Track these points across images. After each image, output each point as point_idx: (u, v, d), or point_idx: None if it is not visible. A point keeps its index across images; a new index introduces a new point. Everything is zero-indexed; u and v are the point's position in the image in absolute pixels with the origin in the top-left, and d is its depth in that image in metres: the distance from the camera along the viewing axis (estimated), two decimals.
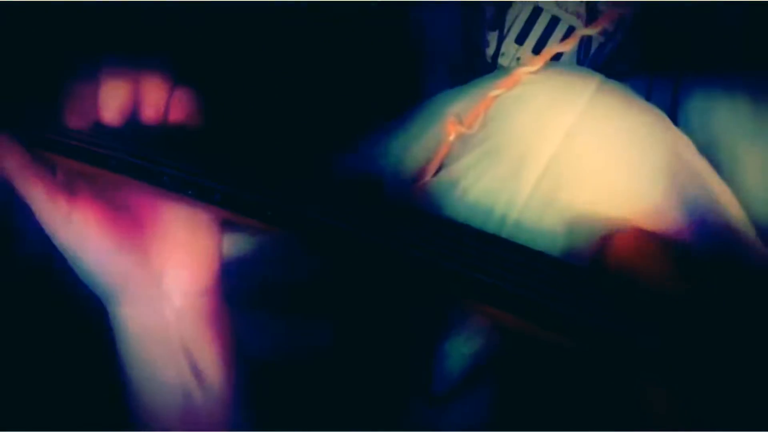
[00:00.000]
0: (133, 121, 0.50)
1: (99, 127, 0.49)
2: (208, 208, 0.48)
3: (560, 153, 0.54)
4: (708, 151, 0.58)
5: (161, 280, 0.50)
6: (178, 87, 0.50)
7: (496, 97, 0.57)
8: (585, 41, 0.73)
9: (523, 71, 0.57)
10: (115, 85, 0.49)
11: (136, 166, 0.47)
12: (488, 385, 0.57)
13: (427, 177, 0.61)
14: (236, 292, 0.59)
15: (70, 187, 0.48)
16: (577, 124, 0.54)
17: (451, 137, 0.59)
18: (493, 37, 0.78)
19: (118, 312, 0.50)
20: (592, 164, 0.54)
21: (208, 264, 0.51)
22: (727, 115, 0.65)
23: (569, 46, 0.70)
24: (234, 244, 0.65)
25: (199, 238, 0.51)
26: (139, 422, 0.51)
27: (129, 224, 0.49)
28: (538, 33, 0.78)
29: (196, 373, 0.50)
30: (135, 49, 0.49)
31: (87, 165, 0.48)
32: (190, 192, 0.46)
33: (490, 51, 0.78)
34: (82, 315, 0.55)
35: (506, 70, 0.59)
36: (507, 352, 0.54)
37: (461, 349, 0.58)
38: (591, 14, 0.74)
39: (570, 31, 0.77)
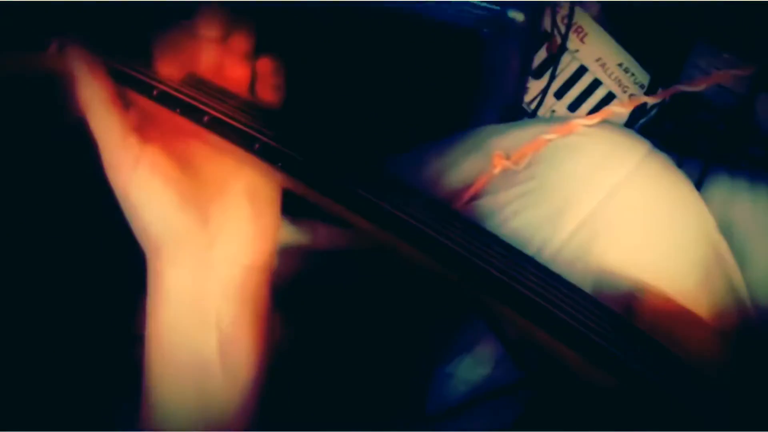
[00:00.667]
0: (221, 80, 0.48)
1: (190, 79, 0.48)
2: (272, 173, 0.46)
3: (601, 208, 0.56)
4: (723, 233, 0.61)
5: (213, 246, 0.47)
6: (268, 57, 0.49)
7: (548, 141, 0.59)
8: (641, 109, 0.76)
9: (580, 122, 0.59)
10: (208, 41, 0.47)
11: (228, 125, 0.46)
12: (484, 414, 0.58)
13: (459, 203, 0.63)
14: None
15: (142, 133, 0.46)
16: (622, 184, 0.56)
17: (497, 170, 0.61)
18: (533, 85, 0.80)
19: (159, 269, 0.47)
20: (629, 225, 0.56)
21: (264, 242, 0.49)
22: (747, 205, 0.68)
23: (627, 109, 0.73)
24: None
25: (262, 211, 0.49)
26: (149, 390, 0.48)
27: (193, 184, 0.47)
28: (577, 92, 0.81)
29: (223, 356, 0.47)
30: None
31: (176, 113, 0.46)
32: (280, 164, 0.45)
33: (528, 97, 0.80)
34: (119, 264, 0.54)
35: (560, 118, 0.61)
36: (528, 382, 0.55)
37: (464, 374, 0.59)
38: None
39: (609, 97, 0.80)
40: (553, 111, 0.80)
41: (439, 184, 0.65)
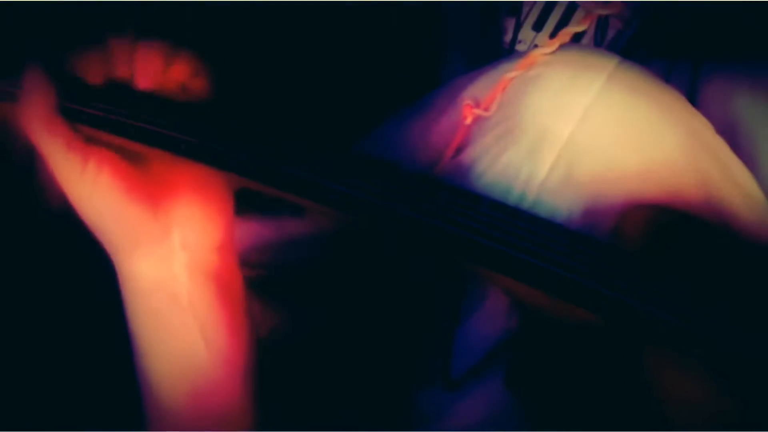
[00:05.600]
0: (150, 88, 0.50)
1: (115, 92, 0.50)
2: (224, 174, 0.49)
3: (577, 132, 0.55)
4: (727, 133, 0.59)
5: (170, 233, 0.50)
6: (187, 55, 0.51)
7: (512, 78, 0.59)
8: (602, 26, 0.74)
9: (539, 52, 0.58)
10: (121, 46, 0.49)
11: (154, 133, 0.48)
12: (506, 368, 0.58)
13: (444, 161, 0.63)
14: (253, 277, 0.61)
15: (86, 140, 0.49)
16: (594, 104, 0.55)
17: (468, 121, 0.60)
18: (510, 24, 0.79)
19: (125, 266, 0.50)
20: (609, 144, 0.55)
21: (220, 221, 0.51)
22: (747, 99, 0.66)
23: (584, 27, 0.71)
24: (248, 232, 0.67)
25: (211, 196, 0.51)
26: (145, 383, 0.52)
27: (141, 177, 0.50)
28: (555, 19, 0.80)
29: (204, 334, 0.50)
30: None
31: (103, 132, 0.49)
32: (207, 160, 0.47)
33: (508, 38, 0.79)
34: (90, 273, 0.56)
35: (522, 53, 0.60)
36: (525, 332, 0.55)
37: (481, 330, 0.59)
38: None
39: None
40: (536, 45, 0.79)
41: (421, 149, 0.65)
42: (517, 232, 0.46)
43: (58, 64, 0.50)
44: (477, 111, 0.60)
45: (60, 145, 0.48)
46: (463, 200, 0.48)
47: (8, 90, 0.51)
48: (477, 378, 0.58)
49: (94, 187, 0.49)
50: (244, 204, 0.58)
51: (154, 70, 0.49)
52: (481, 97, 0.61)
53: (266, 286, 0.65)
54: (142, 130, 0.49)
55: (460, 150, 0.62)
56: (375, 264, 0.62)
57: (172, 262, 0.50)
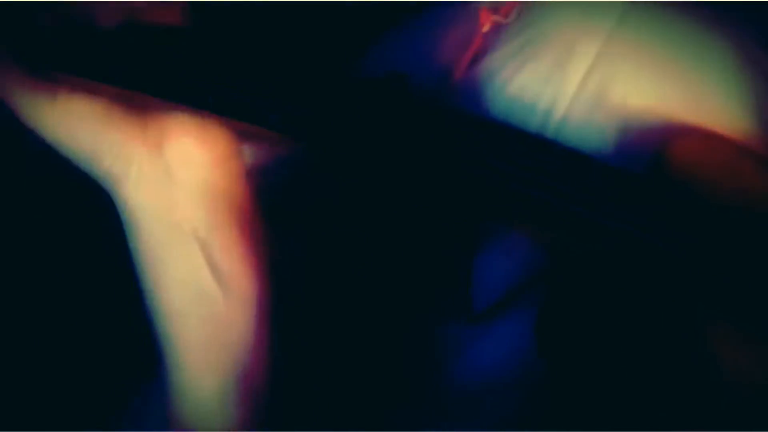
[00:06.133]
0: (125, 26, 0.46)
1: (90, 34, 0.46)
2: (215, 117, 0.45)
3: (611, 43, 0.51)
4: None
5: (161, 150, 0.46)
6: None
7: None
8: None
9: None
10: None
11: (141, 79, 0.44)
12: (531, 303, 0.54)
13: (460, 73, 0.58)
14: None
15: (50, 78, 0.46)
16: (629, 12, 0.51)
17: (486, 28, 0.56)
18: None
19: (121, 196, 0.46)
20: (648, 57, 0.50)
21: (220, 131, 0.47)
22: None
23: None
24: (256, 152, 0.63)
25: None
26: (157, 324, 0.48)
27: (120, 98, 0.46)
28: None
29: (214, 267, 0.46)
30: None
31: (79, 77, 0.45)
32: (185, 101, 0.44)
33: None
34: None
35: None
36: (553, 265, 0.51)
37: (502, 261, 0.55)
38: None
39: None
40: None
41: (434, 58, 0.60)
42: (539, 166, 0.42)
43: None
44: (495, 17, 0.56)
45: (23, 89, 0.45)
46: (478, 131, 0.43)
47: None
48: (501, 312, 0.55)
49: (68, 112, 0.45)
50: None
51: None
52: (499, 1, 0.56)
53: (274, 213, 0.61)
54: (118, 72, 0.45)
55: (475, 61, 0.57)
56: (387, 194, 0.58)
57: (170, 183, 0.46)
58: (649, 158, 0.47)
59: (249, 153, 0.59)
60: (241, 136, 0.50)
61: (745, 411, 0.38)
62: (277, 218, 0.59)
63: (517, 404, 0.53)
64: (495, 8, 0.56)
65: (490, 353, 0.55)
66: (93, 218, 0.60)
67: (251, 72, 0.43)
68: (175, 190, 0.46)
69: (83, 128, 0.45)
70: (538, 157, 0.42)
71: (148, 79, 0.44)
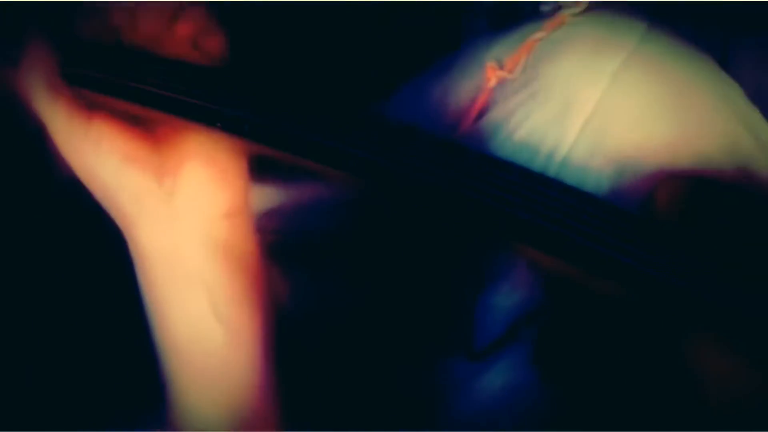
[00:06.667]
0: (157, 48, 0.48)
1: (122, 55, 0.48)
2: (237, 140, 0.47)
3: (606, 98, 0.53)
4: (759, 98, 0.57)
5: (174, 198, 0.48)
6: (197, 9, 0.48)
7: (538, 40, 0.57)
8: None
9: (567, 13, 0.57)
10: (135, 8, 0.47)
11: (164, 98, 0.46)
12: (530, 340, 0.57)
13: (466, 125, 0.61)
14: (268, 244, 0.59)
15: (88, 105, 0.47)
16: (623, 69, 0.54)
17: (492, 83, 0.59)
18: None
19: (132, 234, 0.48)
20: (639, 110, 0.53)
21: (231, 186, 0.49)
22: None
23: None
24: (266, 197, 0.65)
25: (221, 160, 0.49)
26: (162, 357, 0.50)
27: (146, 141, 0.48)
28: None
29: (215, 307, 0.48)
30: None
31: (110, 97, 0.47)
32: (218, 124, 0.45)
33: None
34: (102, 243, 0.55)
35: (548, 15, 0.59)
36: (548, 300, 0.54)
37: (503, 302, 0.58)
38: None
39: None
40: (560, 6, 0.77)
41: (442, 112, 0.63)
42: (543, 200, 0.44)
43: (59, 26, 0.48)
44: (501, 73, 0.59)
45: (61, 110, 0.46)
46: (487, 167, 0.46)
47: (10, 54, 0.49)
48: (500, 350, 0.57)
49: (96, 152, 0.47)
50: (262, 169, 0.56)
51: (155, 23, 0.46)
52: (505, 58, 0.59)
53: (285, 253, 0.64)
54: (149, 94, 0.46)
55: (482, 114, 0.60)
56: (396, 231, 0.60)
57: (180, 228, 0.48)
58: (641, 199, 0.50)
59: (259, 201, 0.62)
60: (257, 178, 0.53)
61: (728, 422, 0.40)
62: (284, 258, 0.62)
63: None
64: (501, 64, 0.59)
65: (490, 387, 0.57)
66: (105, 252, 0.62)
67: (280, 102, 0.46)
68: (185, 237, 0.48)
69: (109, 162, 0.47)
70: (539, 190, 0.44)
71: (181, 102, 0.46)
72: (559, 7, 0.74)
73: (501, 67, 0.59)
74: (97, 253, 0.66)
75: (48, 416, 0.64)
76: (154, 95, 0.47)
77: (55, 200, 0.64)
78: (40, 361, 0.66)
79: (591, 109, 0.54)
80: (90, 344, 0.67)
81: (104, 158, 0.47)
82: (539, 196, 0.44)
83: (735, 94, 0.56)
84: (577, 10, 0.56)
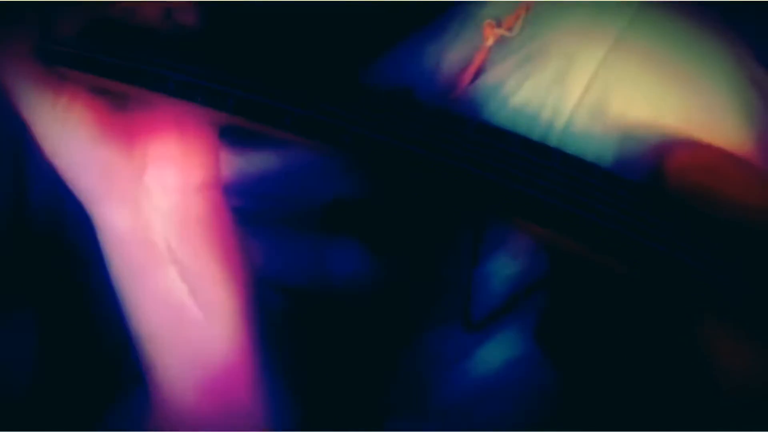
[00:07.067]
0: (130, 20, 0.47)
1: (93, 27, 0.47)
2: (221, 115, 0.45)
3: (610, 58, 0.52)
4: None
5: (143, 174, 0.47)
6: None
7: None
8: None
9: None
10: None
11: (139, 71, 0.44)
12: (530, 311, 0.55)
13: (463, 86, 0.59)
14: (254, 210, 0.57)
15: (58, 78, 0.46)
16: (627, 30, 0.52)
17: (489, 42, 0.57)
18: None
19: (99, 214, 0.48)
20: (646, 71, 0.52)
21: (201, 160, 0.48)
22: None
23: None
24: (252, 162, 0.63)
25: (192, 134, 0.48)
26: (137, 338, 0.49)
27: (116, 116, 0.47)
28: None
29: (191, 284, 0.48)
30: None
31: (86, 73, 0.46)
32: (199, 99, 0.44)
33: None
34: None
35: None
36: (552, 275, 0.52)
37: (502, 271, 0.56)
38: None
39: None
40: None
41: (437, 72, 0.61)
42: (544, 172, 0.42)
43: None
44: (499, 31, 0.57)
45: (29, 82, 0.46)
46: (484, 136, 0.44)
47: None
48: (499, 321, 0.56)
49: (63, 125, 0.46)
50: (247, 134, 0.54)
51: None
52: (503, 16, 0.57)
53: (275, 218, 0.62)
54: (122, 67, 0.45)
55: (479, 74, 0.58)
56: (388, 199, 0.59)
57: (147, 206, 0.47)
58: (647, 168, 0.48)
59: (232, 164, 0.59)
60: (226, 147, 0.51)
61: (743, 412, 0.39)
62: (261, 229, 0.60)
63: (517, 410, 0.54)
64: (498, 22, 0.57)
65: (490, 360, 0.56)
66: (70, 236, 0.61)
67: (264, 73, 0.44)
68: (153, 214, 0.47)
69: (77, 137, 0.46)
70: (540, 161, 0.43)
71: (153, 71, 0.45)
72: None
73: (499, 25, 0.57)
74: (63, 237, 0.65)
75: (32, 415, 0.63)
76: (127, 68, 0.45)
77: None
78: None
79: (593, 69, 0.52)
80: (64, 340, 0.66)
81: (73, 133, 0.46)
82: (539, 168, 0.43)
83: (747, 56, 0.54)
84: None
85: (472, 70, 0.59)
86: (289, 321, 0.58)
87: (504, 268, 0.56)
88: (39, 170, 0.60)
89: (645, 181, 0.47)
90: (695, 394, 0.42)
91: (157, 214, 0.47)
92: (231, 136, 0.56)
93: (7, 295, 0.65)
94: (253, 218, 0.56)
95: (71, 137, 0.46)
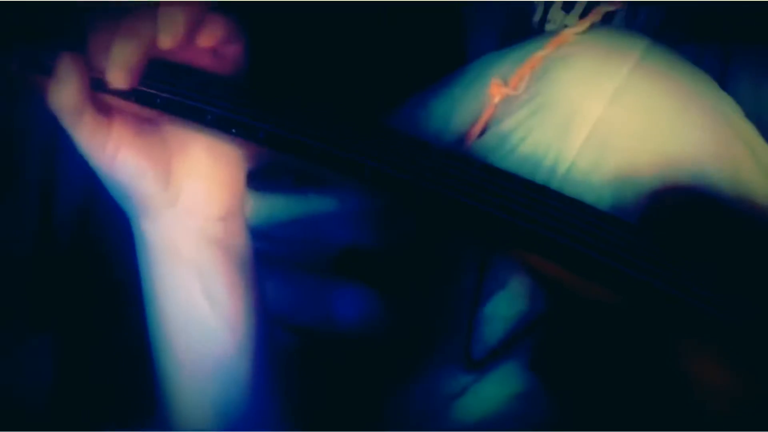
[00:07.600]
0: (170, 56, 0.49)
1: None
2: (251, 146, 0.49)
3: (607, 114, 0.55)
4: (757, 117, 0.59)
5: (178, 202, 0.51)
6: (219, 19, 0.49)
7: (542, 57, 0.59)
8: (633, 7, 0.74)
9: (570, 32, 0.58)
10: (145, 21, 0.47)
11: (179, 104, 0.48)
12: (528, 350, 0.58)
13: (471, 140, 0.63)
14: (269, 253, 0.61)
15: (108, 111, 0.49)
16: (624, 86, 0.55)
17: (496, 99, 0.61)
18: (540, 3, 0.79)
19: (139, 225, 0.52)
20: (639, 127, 0.55)
21: (227, 193, 0.52)
22: None
23: (615, 6, 0.71)
24: (274, 207, 0.67)
25: (221, 168, 0.52)
26: (155, 340, 0.53)
27: (156, 152, 0.50)
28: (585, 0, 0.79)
29: (209, 297, 0.51)
30: None
31: (129, 102, 0.49)
32: (233, 130, 0.47)
33: (537, 17, 0.79)
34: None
35: (552, 33, 0.60)
36: (549, 312, 0.55)
37: (502, 311, 0.59)
38: None
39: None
40: (566, 25, 0.79)
41: (447, 127, 0.65)
42: (546, 210, 0.46)
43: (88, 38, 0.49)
44: (505, 89, 0.60)
45: (85, 127, 0.49)
46: (491, 176, 0.47)
47: (43, 63, 0.50)
48: (499, 359, 0.58)
49: (112, 164, 0.49)
50: (272, 180, 0.57)
51: (177, 31, 0.48)
52: (509, 75, 0.61)
53: (290, 261, 0.65)
54: (165, 99, 0.48)
55: (486, 129, 0.62)
56: (398, 242, 0.62)
57: (177, 227, 0.51)
58: (641, 212, 0.51)
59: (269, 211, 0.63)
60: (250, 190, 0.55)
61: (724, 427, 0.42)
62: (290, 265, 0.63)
63: None
64: (505, 81, 0.60)
65: (490, 396, 0.58)
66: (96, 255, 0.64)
67: (293, 110, 0.48)
68: (183, 233, 0.51)
69: (120, 175, 0.50)
70: (541, 200, 0.46)
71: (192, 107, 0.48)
72: (564, 25, 0.76)
73: (505, 84, 0.60)
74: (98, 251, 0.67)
75: (45, 415, 0.65)
76: (171, 101, 0.48)
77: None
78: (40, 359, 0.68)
79: (593, 123, 0.55)
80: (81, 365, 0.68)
81: (119, 169, 0.50)
82: (541, 205, 0.45)
83: (733, 112, 0.57)
84: (581, 28, 0.58)
85: (479, 125, 0.62)
86: (293, 357, 0.60)
87: (505, 308, 0.59)
88: (67, 193, 0.62)
89: (638, 222, 0.50)
90: (687, 418, 0.44)
91: (185, 233, 0.51)
92: (256, 181, 0.59)
93: (26, 319, 0.68)
94: (267, 260, 0.59)
95: (118, 174, 0.50)
